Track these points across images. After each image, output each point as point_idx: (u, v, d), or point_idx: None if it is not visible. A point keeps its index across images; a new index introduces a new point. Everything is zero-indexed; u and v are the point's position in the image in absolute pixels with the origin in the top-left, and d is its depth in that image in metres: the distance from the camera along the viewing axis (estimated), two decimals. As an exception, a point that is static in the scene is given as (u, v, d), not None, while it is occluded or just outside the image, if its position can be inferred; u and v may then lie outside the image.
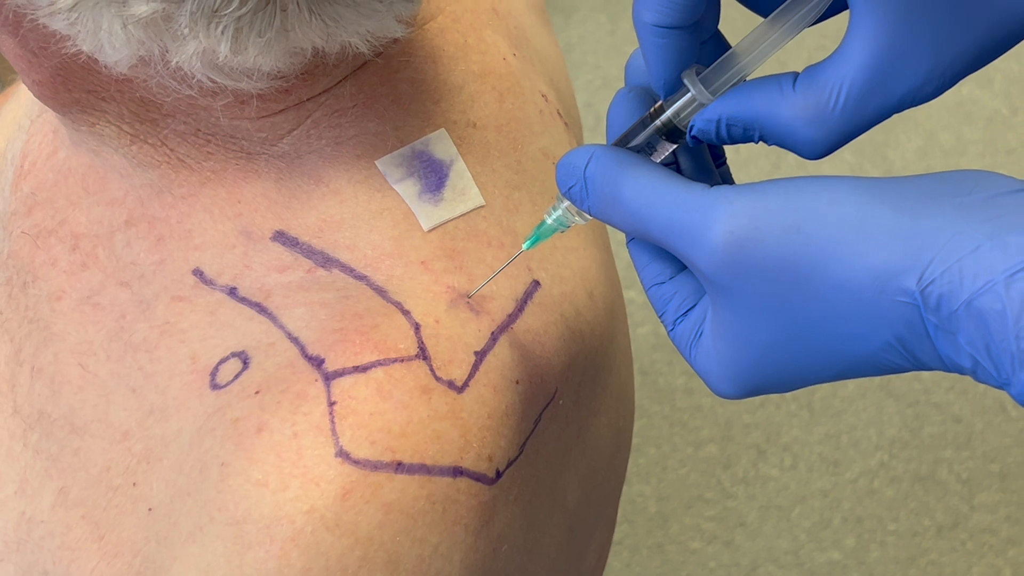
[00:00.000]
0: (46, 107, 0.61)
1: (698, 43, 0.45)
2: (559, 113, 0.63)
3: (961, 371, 0.40)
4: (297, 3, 0.43)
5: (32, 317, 0.58)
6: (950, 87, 0.42)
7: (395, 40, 0.54)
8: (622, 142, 0.47)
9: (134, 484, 0.52)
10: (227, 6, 0.41)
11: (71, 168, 0.58)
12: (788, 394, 1.77)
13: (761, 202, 0.42)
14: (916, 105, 0.42)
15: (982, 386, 1.75)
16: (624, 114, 0.48)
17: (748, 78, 0.45)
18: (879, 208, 0.40)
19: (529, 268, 0.54)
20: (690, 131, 0.45)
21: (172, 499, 0.50)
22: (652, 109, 0.47)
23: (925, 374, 1.77)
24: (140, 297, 0.55)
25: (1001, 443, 1.74)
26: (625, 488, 1.70)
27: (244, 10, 0.42)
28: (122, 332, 0.55)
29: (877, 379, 1.77)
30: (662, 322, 0.48)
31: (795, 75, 0.43)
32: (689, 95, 0.45)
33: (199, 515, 0.48)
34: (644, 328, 1.81)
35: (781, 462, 1.73)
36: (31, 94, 0.64)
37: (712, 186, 0.43)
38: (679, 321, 0.47)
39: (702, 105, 0.45)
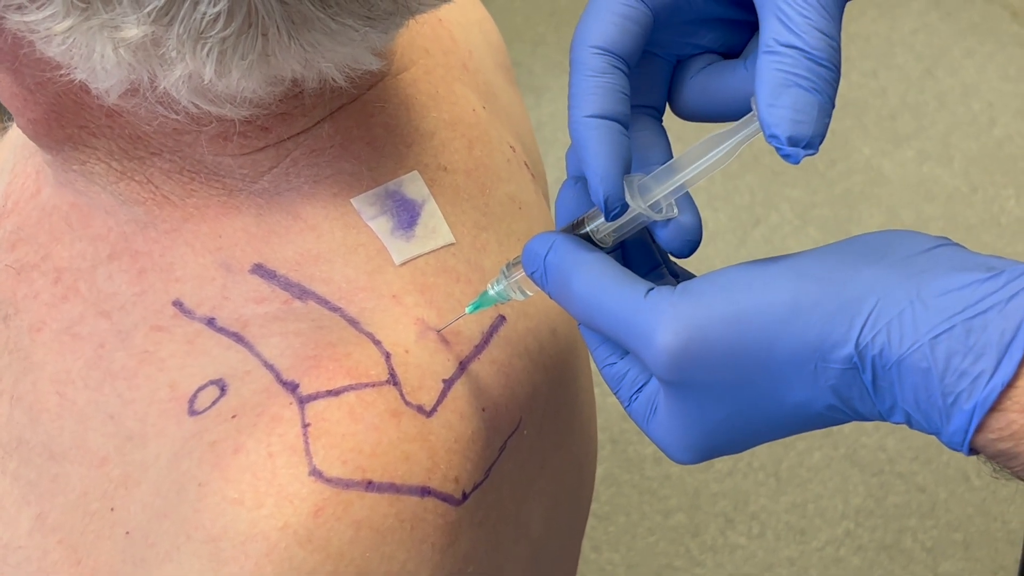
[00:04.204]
0: (30, 152, 0.63)
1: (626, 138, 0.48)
2: (526, 164, 0.66)
3: (896, 421, 0.43)
4: (277, 28, 0.45)
5: (12, 348, 0.59)
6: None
7: (371, 86, 0.57)
8: (571, 229, 0.50)
9: (112, 509, 0.54)
10: (212, 28, 0.44)
11: (55, 206, 0.60)
12: (756, 463, 1.79)
13: (700, 301, 0.44)
14: None
15: (945, 456, 1.77)
16: (569, 205, 0.52)
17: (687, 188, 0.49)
18: (808, 284, 0.43)
19: (496, 304, 0.57)
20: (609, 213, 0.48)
21: (149, 521, 0.52)
22: (585, 215, 0.50)
23: (890, 444, 1.79)
24: (119, 327, 0.57)
25: (964, 512, 1.75)
26: (595, 555, 1.71)
27: (228, 31, 0.44)
28: (100, 361, 0.56)
29: (843, 449, 1.79)
30: (617, 399, 0.50)
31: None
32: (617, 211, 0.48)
33: (176, 535, 0.50)
34: (614, 398, 1.82)
35: (749, 530, 1.74)
36: (15, 141, 0.67)
37: (654, 287, 0.46)
38: (634, 398, 0.49)
39: (634, 211, 0.48)
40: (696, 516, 1.75)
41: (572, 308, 0.48)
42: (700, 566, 1.72)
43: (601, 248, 0.49)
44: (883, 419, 0.44)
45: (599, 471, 1.74)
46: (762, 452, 1.80)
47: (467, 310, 0.54)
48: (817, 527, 1.74)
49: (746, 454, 1.80)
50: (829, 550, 1.73)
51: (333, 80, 0.50)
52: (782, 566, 1.72)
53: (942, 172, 2.10)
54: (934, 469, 1.78)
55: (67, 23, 0.44)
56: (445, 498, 0.51)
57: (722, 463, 1.79)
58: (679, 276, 0.53)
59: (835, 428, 1.81)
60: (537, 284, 0.50)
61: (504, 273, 0.53)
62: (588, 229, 0.49)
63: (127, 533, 0.53)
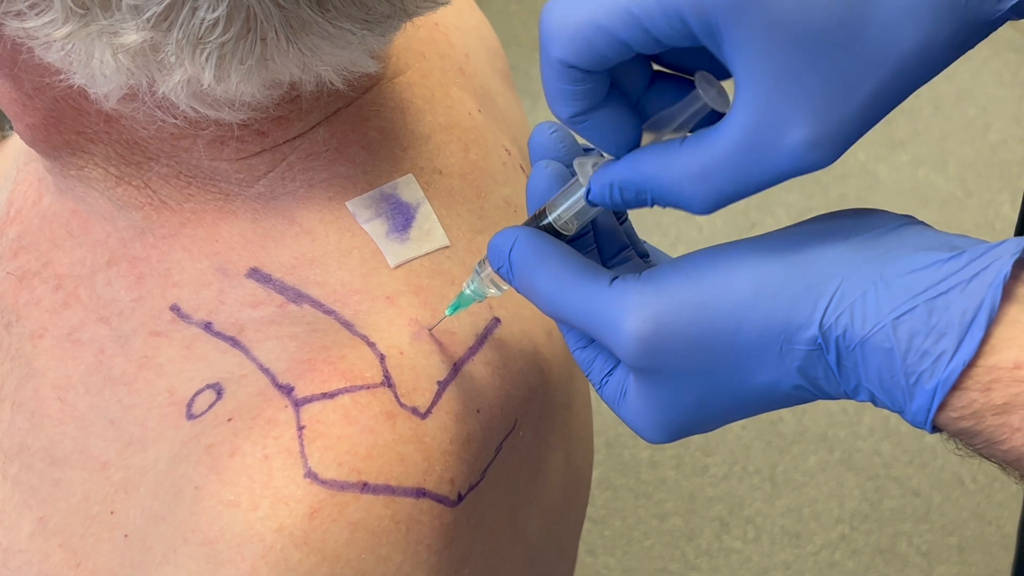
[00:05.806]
0: (31, 159, 0.64)
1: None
2: (521, 167, 0.66)
3: (861, 400, 0.44)
4: (276, 32, 0.45)
5: (14, 355, 0.60)
6: (841, 153, 0.42)
7: (367, 90, 0.57)
8: (534, 220, 0.50)
9: (111, 512, 0.54)
10: (211, 33, 0.44)
11: (56, 213, 0.60)
12: (751, 467, 1.80)
13: (665, 288, 0.45)
14: (810, 171, 0.43)
15: (940, 460, 1.77)
16: (541, 188, 0.51)
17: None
18: (772, 267, 0.44)
19: (490, 306, 0.57)
20: (587, 195, 0.47)
21: (147, 524, 0.52)
22: (546, 205, 0.50)
23: (885, 449, 1.79)
24: (119, 333, 0.57)
25: (959, 516, 1.76)
26: (590, 559, 1.71)
27: (227, 37, 0.44)
28: (101, 366, 0.57)
29: (838, 453, 1.80)
30: (589, 381, 0.51)
31: (684, 138, 0.44)
32: (573, 200, 0.48)
33: (173, 538, 0.50)
34: (609, 402, 1.82)
35: (744, 534, 1.74)
36: (17, 148, 0.67)
37: (618, 277, 0.46)
38: (605, 381, 0.50)
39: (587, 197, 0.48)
40: (692, 520, 1.76)
41: (538, 302, 0.48)
42: (695, 570, 1.72)
43: (564, 236, 0.49)
44: (849, 398, 0.44)
45: (594, 475, 1.74)
46: (757, 456, 1.80)
47: (447, 312, 0.54)
48: (812, 531, 1.75)
49: (741, 458, 1.80)
50: (824, 554, 1.73)
51: (330, 83, 0.50)
52: (777, 570, 1.72)
53: (937, 177, 2.11)
54: (929, 473, 1.78)
55: (66, 29, 0.44)
56: (441, 499, 0.51)
57: (717, 467, 1.79)
58: (647, 256, 0.53)
59: (831, 432, 1.81)
60: (504, 280, 0.50)
61: (477, 271, 0.53)
62: (550, 219, 0.49)
63: (126, 536, 0.53)
